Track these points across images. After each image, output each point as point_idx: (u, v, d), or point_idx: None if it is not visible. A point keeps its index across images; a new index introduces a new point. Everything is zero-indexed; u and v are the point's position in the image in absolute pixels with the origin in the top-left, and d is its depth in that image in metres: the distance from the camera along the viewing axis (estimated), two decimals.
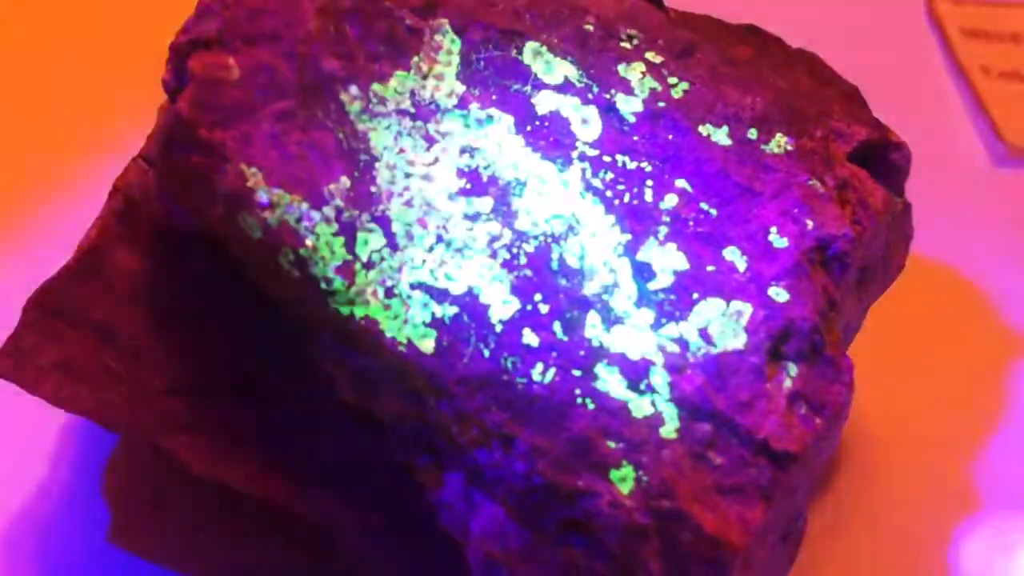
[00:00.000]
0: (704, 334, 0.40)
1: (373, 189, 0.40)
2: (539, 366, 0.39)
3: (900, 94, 0.57)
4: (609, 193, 0.41)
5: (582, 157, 0.41)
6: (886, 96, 0.57)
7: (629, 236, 0.40)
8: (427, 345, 0.39)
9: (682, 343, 0.39)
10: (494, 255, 0.40)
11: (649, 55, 0.43)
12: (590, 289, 0.40)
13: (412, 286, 0.39)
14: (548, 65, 0.42)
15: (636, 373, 0.39)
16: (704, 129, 0.42)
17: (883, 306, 0.51)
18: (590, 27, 0.43)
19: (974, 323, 0.51)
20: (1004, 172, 0.56)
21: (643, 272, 0.40)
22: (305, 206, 0.39)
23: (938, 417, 0.49)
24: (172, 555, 0.43)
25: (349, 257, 0.39)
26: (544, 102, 0.42)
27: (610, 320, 0.39)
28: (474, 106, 0.41)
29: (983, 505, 0.47)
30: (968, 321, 0.51)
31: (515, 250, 0.40)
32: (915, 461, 0.47)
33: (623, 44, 0.43)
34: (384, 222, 0.40)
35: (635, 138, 0.42)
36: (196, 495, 0.42)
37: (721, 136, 0.42)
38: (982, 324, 0.51)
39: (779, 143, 0.42)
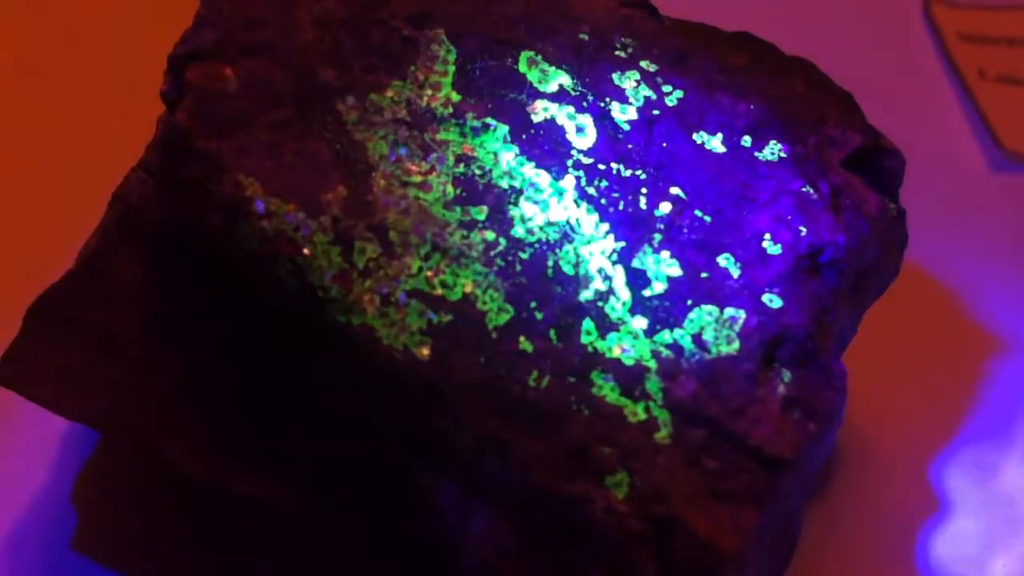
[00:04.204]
0: (698, 340, 0.40)
1: (369, 198, 0.40)
2: (534, 373, 0.39)
3: (897, 98, 0.58)
4: (604, 201, 0.41)
5: (577, 165, 0.42)
6: (883, 100, 0.57)
7: (623, 243, 0.41)
8: (423, 352, 0.39)
9: (676, 349, 0.40)
10: (490, 263, 0.40)
11: (644, 63, 0.43)
12: (585, 296, 0.40)
13: (408, 294, 0.40)
14: (543, 74, 0.43)
15: (630, 379, 0.39)
16: (698, 137, 0.42)
17: (879, 312, 0.51)
18: (585, 36, 0.43)
19: (970, 329, 0.51)
20: (1001, 176, 0.56)
21: (637, 279, 0.40)
22: (302, 215, 0.40)
23: (934, 422, 0.49)
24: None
25: (346, 266, 0.40)
26: (539, 111, 0.42)
27: (605, 327, 0.40)
28: (470, 115, 0.42)
29: (978, 509, 0.47)
30: (964, 327, 0.51)
31: (510, 258, 0.40)
32: (910, 466, 0.48)
33: (618, 52, 0.43)
34: (380, 231, 0.40)
35: (629, 146, 0.42)
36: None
37: (715, 143, 0.42)
38: (978, 330, 0.51)
39: (773, 150, 0.43)
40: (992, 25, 0.61)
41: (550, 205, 0.41)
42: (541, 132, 0.42)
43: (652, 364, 0.39)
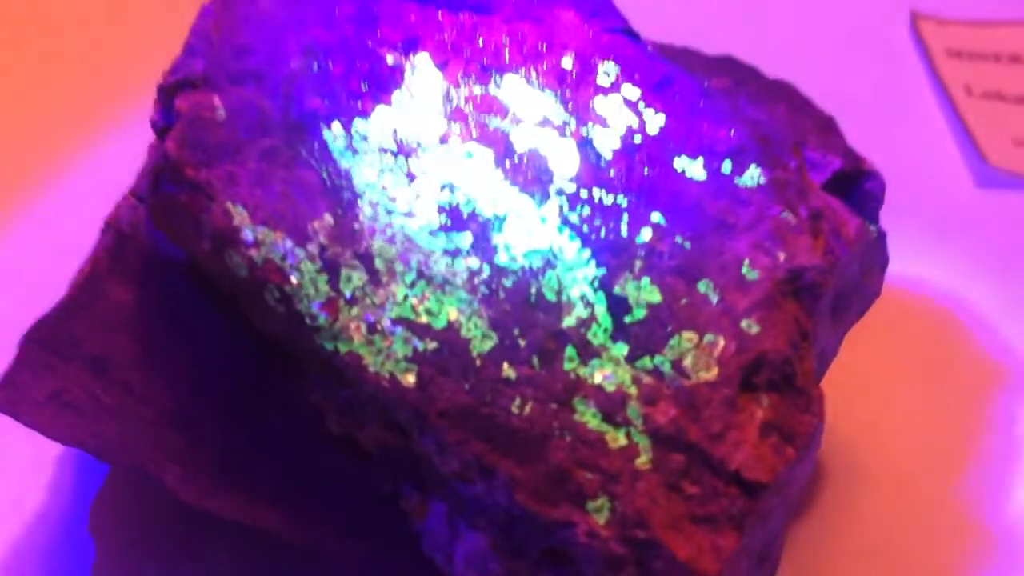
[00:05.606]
0: (678, 366, 0.41)
1: (356, 226, 0.41)
2: (517, 399, 0.40)
3: (884, 114, 0.58)
4: (586, 228, 0.42)
5: (560, 192, 0.42)
6: (870, 116, 0.57)
7: (605, 270, 0.41)
8: (409, 379, 0.40)
9: (657, 375, 0.40)
10: (474, 290, 0.41)
11: (626, 89, 0.44)
12: (567, 323, 0.41)
13: (394, 321, 0.40)
14: (527, 101, 0.43)
15: (612, 405, 0.40)
16: (679, 163, 0.43)
17: (865, 330, 0.52)
18: (568, 62, 0.44)
19: (957, 347, 0.52)
20: (987, 193, 0.56)
21: (618, 305, 0.41)
22: (290, 243, 0.40)
23: (918, 440, 0.49)
24: None
25: (333, 293, 0.40)
26: (523, 138, 0.43)
27: (586, 353, 0.40)
28: (455, 142, 0.42)
29: (958, 528, 0.47)
30: (951, 345, 0.52)
31: (494, 285, 0.41)
32: (893, 484, 0.48)
33: (600, 79, 0.44)
34: (367, 259, 0.41)
35: (611, 172, 0.43)
36: (183, 530, 0.43)
37: (696, 169, 0.43)
38: (965, 348, 0.52)
39: (752, 176, 0.43)
40: (979, 41, 0.61)
41: (533, 232, 0.42)
42: (525, 159, 0.42)
43: (633, 390, 0.40)
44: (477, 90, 0.43)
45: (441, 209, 0.42)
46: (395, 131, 0.42)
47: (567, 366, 0.40)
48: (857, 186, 0.45)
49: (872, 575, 0.46)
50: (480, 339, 0.40)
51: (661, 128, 0.43)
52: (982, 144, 0.57)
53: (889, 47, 0.60)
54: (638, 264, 0.41)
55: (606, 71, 0.44)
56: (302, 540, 0.42)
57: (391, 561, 0.42)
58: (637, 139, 0.43)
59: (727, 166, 0.43)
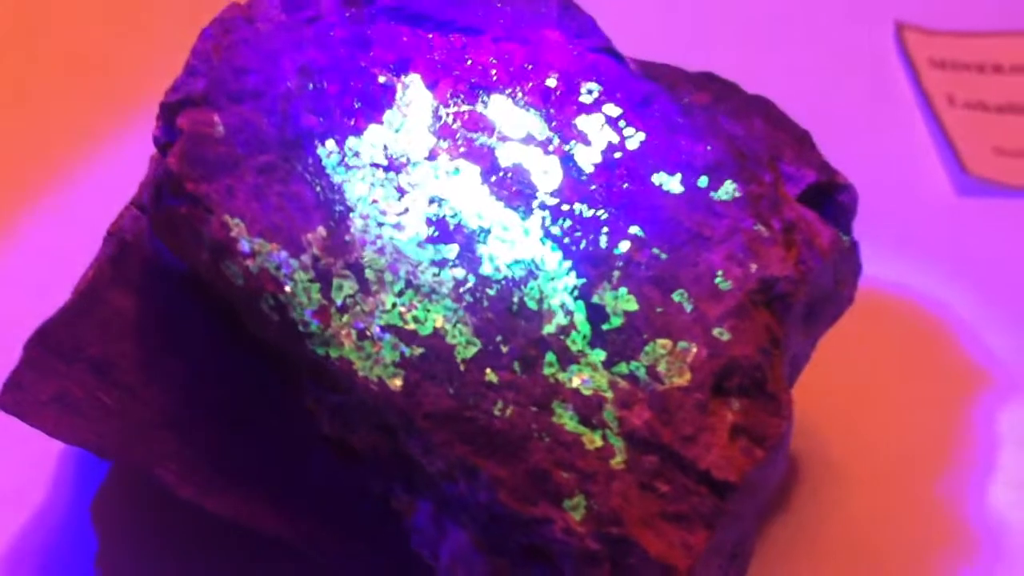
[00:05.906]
0: (652, 372, 0.43)
1: (348, 238, 0.43)
2: (499, 403, 0.42)
3: (867, 123, 0.59)
4: (567, 240, 0.44)
5: (542, 206, 0.44)
6: (853, 125, 0.59)
7: (584, 280, 0.43)
8: (396, 383, 0.42)
9: (632, 380, 0.42)
10: (459, 299, 0.43)
11: (607, 107, 0.46)
12: (547, 330, 0.43)
13: (383, 328, 0.42)
14: (513, 119, 0.45)
15: (589, 409, 0.42)
16: (657, 178, 0.45)
17: (846, 335, 0.53)
18: (552, 82, 0.46)
19: (935, 351, 0.53)
20: (967, 202, 0.57)
21: (597, 314, 0.43)
22: (284, 254, 0.43)
23: (893, 443, 0.50)
24: None
25: (325, 302, 0.42)
26: (508, 154, 0.45)
27: (566, 359, 0.42)
28: (443, 158, 0.44)
29: (931, 528, 0.49)
30: (930, 349, 0.53)
31: (478, 294, 0.43)
32: (868, 484, 0.49)
33: (583, 97, 0.46)
34: (357, 269, 0.43)
35: (592, 187, 0.44)
36: (183, 524, 0.45)
37: (674, 184, 0.45)
38: (943, 352, 0.53)
39: (728, 190, 0.45)
40: (962, 51, 0.62)
41: (516, 244, 0.44)
42: (509, 174, 0.44)
43: (609, 394, 0.42)
44: (465, 108, 0.45)
45: (429, 222, 0.44)
46: (386, 147, 0.44)
47: (547, 371, 0.42)
48: (831, 198, 0.47)
49: (845, 573, 0.48)
50: (464, 345, 0.42)
51: (641, 144, 0.45)
52: (963, 153, 0.59)
53: (875, 58, 0.61)
54: (616, 274, 0.43)
55: (589, 90, 0.46)
56: (296, 538, 0.44)
57: (384, 559, 0.44)
58: (618, 155, 0.45)
59: (704, 181, 0.45)
